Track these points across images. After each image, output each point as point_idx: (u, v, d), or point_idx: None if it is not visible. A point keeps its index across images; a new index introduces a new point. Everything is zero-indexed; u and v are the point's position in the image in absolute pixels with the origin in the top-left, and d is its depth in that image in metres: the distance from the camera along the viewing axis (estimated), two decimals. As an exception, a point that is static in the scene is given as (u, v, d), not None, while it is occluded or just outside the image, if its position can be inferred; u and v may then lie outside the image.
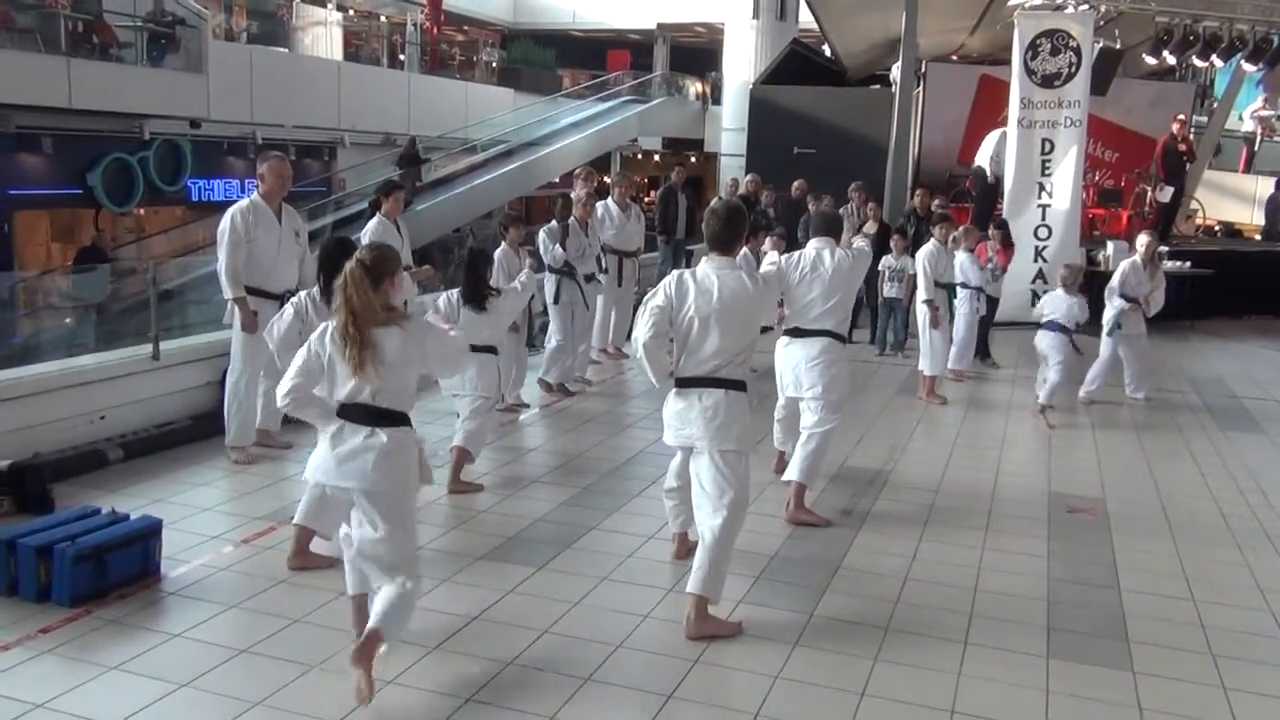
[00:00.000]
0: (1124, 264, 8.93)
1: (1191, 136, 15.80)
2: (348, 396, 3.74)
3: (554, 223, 8.51)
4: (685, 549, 4.98)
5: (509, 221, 7.91)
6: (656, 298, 4.41)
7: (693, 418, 4.38)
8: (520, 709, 3.67)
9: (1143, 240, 9.00)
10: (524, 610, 4.47)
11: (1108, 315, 8.85)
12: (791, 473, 5.81)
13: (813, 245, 5.83)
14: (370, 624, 3.70)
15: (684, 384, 4.43)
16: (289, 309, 5.39)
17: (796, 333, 5.82)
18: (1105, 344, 8.89)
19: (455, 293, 6.20)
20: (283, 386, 3.82)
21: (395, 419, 3.78)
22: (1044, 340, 8.28)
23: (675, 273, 4.49)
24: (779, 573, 5.00)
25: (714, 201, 5.03)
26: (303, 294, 5.59)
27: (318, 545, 4.85)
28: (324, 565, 4.78)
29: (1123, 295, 8.77)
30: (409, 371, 3.81)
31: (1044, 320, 8.35)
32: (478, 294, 6.10)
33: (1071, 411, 8.52)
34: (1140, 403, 8.89)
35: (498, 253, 7.48)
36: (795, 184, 12.67)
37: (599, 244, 8.85)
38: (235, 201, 6.52)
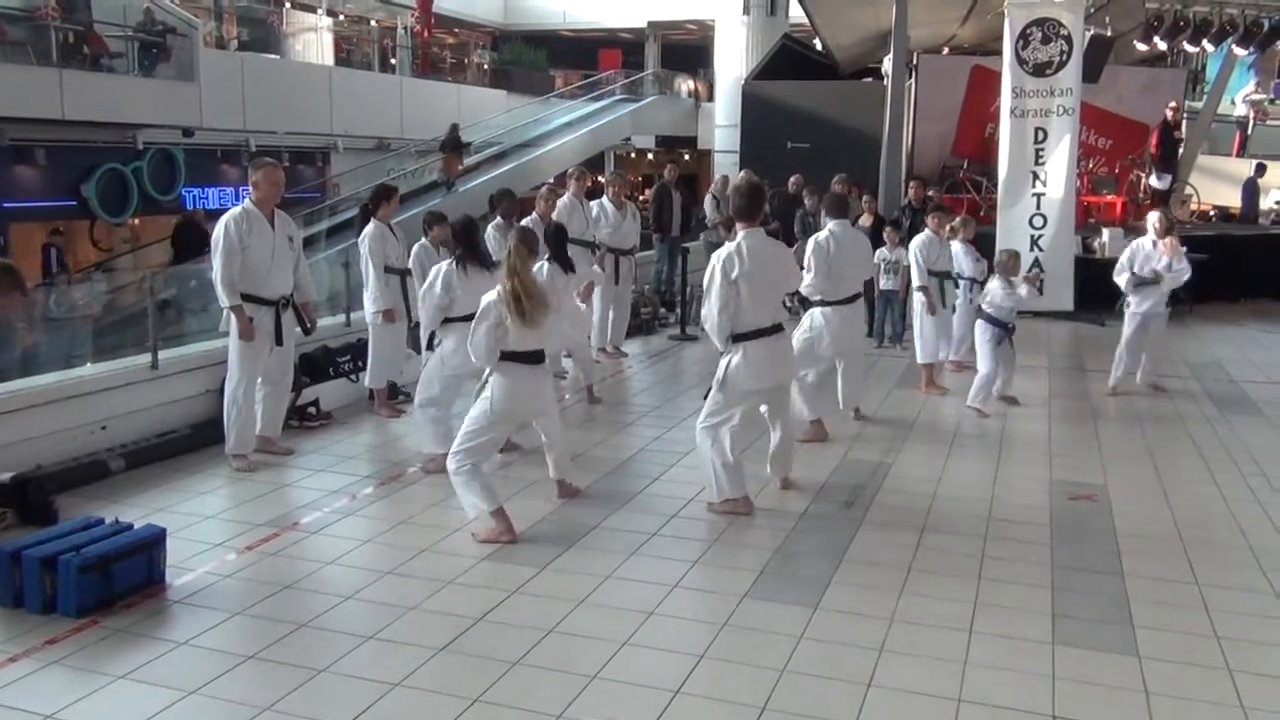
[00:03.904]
0: (1134, 242, 8.74)
1: (1184, 122, 15.83)
2: (516, 344, 5.16)
3: (499, 219, 8.48)
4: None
5: (432, 220, 7.90)
6: (718, 278, 5.44)
7: (783, 358, 5.73)
8: (527, 708, 3.68)
9: (1153, 216, 8.79)
10: (529, 610, 4.48)
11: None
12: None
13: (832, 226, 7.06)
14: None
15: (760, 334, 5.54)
16: (439, 280, 6.17)
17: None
18: (1126, 326, 8.68)
19: (452, 263, 6.34)
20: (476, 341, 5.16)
21: (542, 356, 5.40)
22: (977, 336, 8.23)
23: (728, 250, 5.47)
24: (783, 566, 5.00)
25: (737, 180, 5.57)
26: (444, 265, 6.29)
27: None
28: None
29: (1135, 274, 8.54)
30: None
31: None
32: (484, 256, 6.52)
33: (1071, 398, 8.53)
34: (1142, 390, 8.77)
35: (415, 248, 7.70)
36: (792, 179, 12.67)
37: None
38: (230, 209, 6.52)
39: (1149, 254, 8.52)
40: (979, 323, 8.22)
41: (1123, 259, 8.67)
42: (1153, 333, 8.70)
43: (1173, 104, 15.08)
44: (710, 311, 5.55)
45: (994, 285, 8.07)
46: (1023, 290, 8.03)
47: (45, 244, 15.86)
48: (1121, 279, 8.62)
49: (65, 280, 15.47)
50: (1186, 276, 8.54)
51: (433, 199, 19.56)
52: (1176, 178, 15.54)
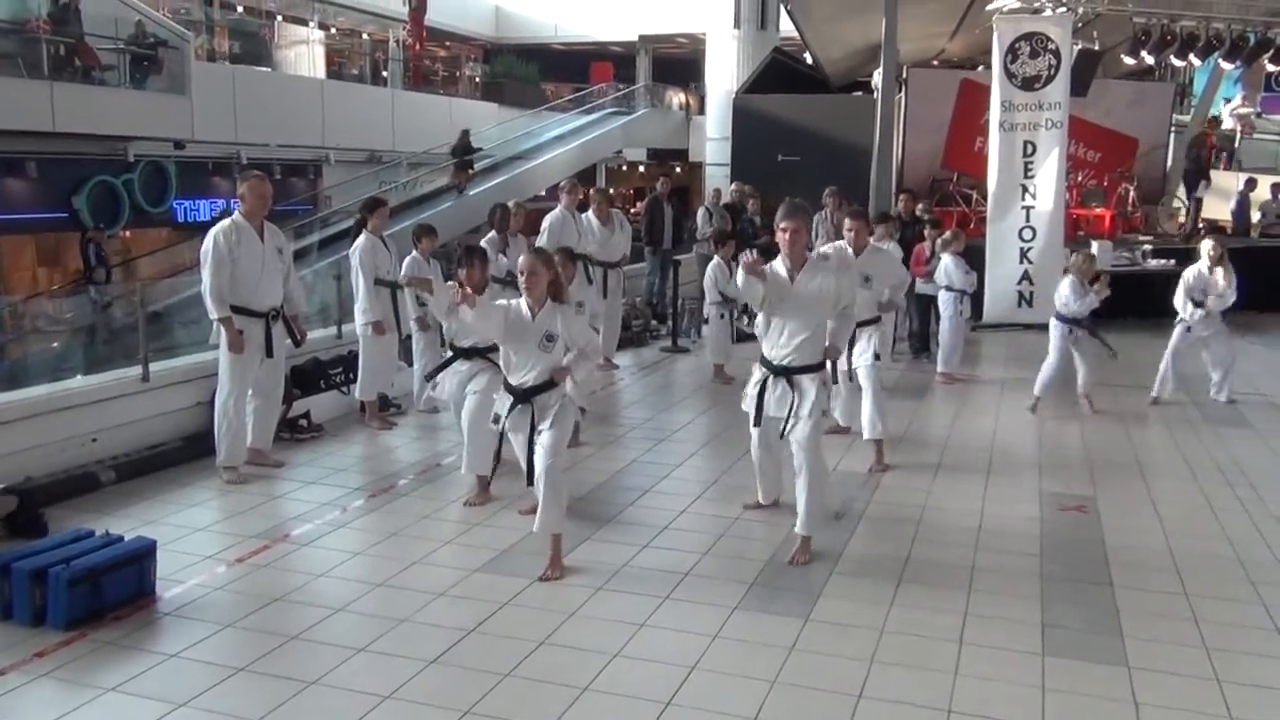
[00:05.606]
0: (1189, 270, 8.89)
1: (1171, 137, 16.01)
2: None
3: (493, 233, 8.64)
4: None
5: (421, 232, 7.95)
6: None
7: None
8: (519, 720, 3.68)
9: (1207, 244, 8.96)
10: (520, 622, 4.48)
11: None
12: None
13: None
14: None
15: None
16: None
17: None
18: (1175, 341, 8.86)
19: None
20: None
21: None
22: (1050, 330, 8.53)
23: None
24: (774, 577, 5.01)
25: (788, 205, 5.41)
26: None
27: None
28: None
29: (1192, 300, 8.72)
30: None
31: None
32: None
33: (1061, 410, 8.56)
34: (1221, 404, 8.85)
35: (407, 260, 7.72)
36: (733, 188, 12.80)
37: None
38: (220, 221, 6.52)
39: (1207, 281, 8.68)
40: (1053, 320, 8.52)
41: (1184, 286, 8.80)
42: (1214, 350, 8.89)
43: (1205, 124, 15.32)
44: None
45: (1065, 287, 8.40)
46: (1093, 298, 8.28)
47: (86, 239, 15.86)
48: (1183, 304, 8.77)
49: (104, 275, 15.50)
50: (1231, 301, 8.72)
51: (444, 203, 19.81)
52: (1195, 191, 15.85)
